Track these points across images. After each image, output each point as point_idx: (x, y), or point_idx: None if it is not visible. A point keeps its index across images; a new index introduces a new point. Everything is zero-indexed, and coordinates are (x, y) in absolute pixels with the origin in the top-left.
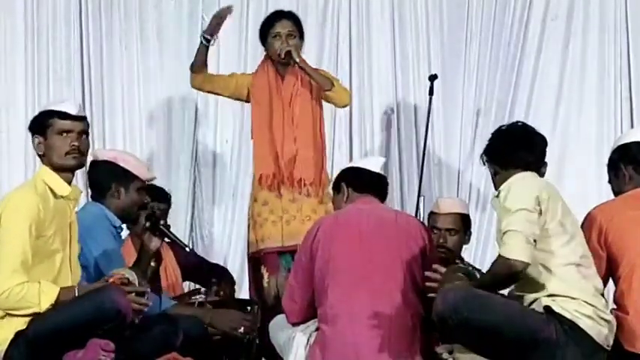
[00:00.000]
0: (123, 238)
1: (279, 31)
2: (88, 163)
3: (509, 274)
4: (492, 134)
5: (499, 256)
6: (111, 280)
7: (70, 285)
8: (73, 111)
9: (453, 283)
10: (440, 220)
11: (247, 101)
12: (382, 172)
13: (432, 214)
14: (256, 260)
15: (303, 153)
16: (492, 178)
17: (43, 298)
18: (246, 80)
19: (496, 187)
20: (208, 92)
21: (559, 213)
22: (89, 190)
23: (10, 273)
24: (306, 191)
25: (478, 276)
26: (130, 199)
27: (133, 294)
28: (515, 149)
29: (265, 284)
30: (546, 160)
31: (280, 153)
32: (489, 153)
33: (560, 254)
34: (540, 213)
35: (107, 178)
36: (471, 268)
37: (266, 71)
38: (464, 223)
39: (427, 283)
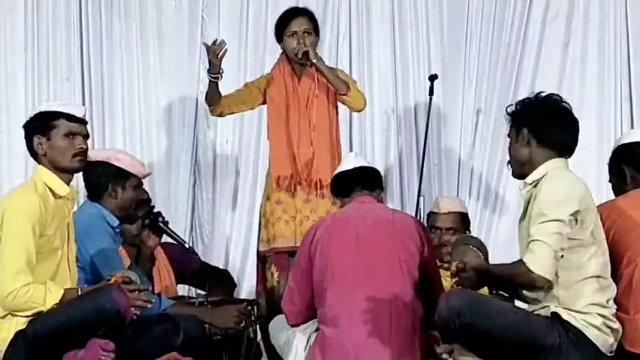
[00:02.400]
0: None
1: (296, 29)
2: None
3: (528, 286)
4: (537, 101)
5: (523, 263)
6: (113, 279)
7: (70, 284)
8: (79, 114)
9: (463, 250)
10: (439, 220)
11: (265, 103)
12: (360, 164)
13: (431, 213)
14: (266, 258)
15: (320, 155)
16: (517, 144)
17: (49, 297)
18: (261, 84)
19: (516, 156)
20: (230, 114)
21: (593, 223)
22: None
23: (15, 274)
24: (322, 193)
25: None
26: (127, 197)
27: (136, 292)
28: (564, 132)
29: (275, 283)
30: None
31: (297, 155)
32: (531, 121)
33: (584, 267)
34: (576, 222)
35: (103, 178)
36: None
37: (282, 71)
38: (463, 222)
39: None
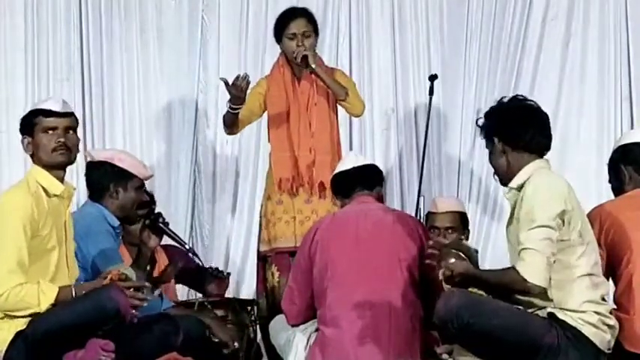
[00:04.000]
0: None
1: (295, 31)
2: (84, 165)
3: (521, 293)
4: (499, 109)
5: (516, 271)
6: (109, 276)
7: (68, 283)
8: (56, 108)
9: (450, 258)
10: (438, 220)
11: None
12: (359, 163)
13: (429, 213)
14: (267, 258)
15: (321, 158)
16: (494, 155)
17: (43, 298)
18: (262, 88)
19: (497, 166)
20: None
21: (580, 223)
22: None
23: (8, 274)
24: (323, 194)
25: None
26: (129, 198)
27: (132, 289)
28: (533, 132)
29: (276, 283)
30: None
31: (298, 158)
32: (499, 130)
33: (575, 266)
34: (563, 224)
35: (105, 178)
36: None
37: (282, 73)
38: (462, 221)
39: (429, 253)
